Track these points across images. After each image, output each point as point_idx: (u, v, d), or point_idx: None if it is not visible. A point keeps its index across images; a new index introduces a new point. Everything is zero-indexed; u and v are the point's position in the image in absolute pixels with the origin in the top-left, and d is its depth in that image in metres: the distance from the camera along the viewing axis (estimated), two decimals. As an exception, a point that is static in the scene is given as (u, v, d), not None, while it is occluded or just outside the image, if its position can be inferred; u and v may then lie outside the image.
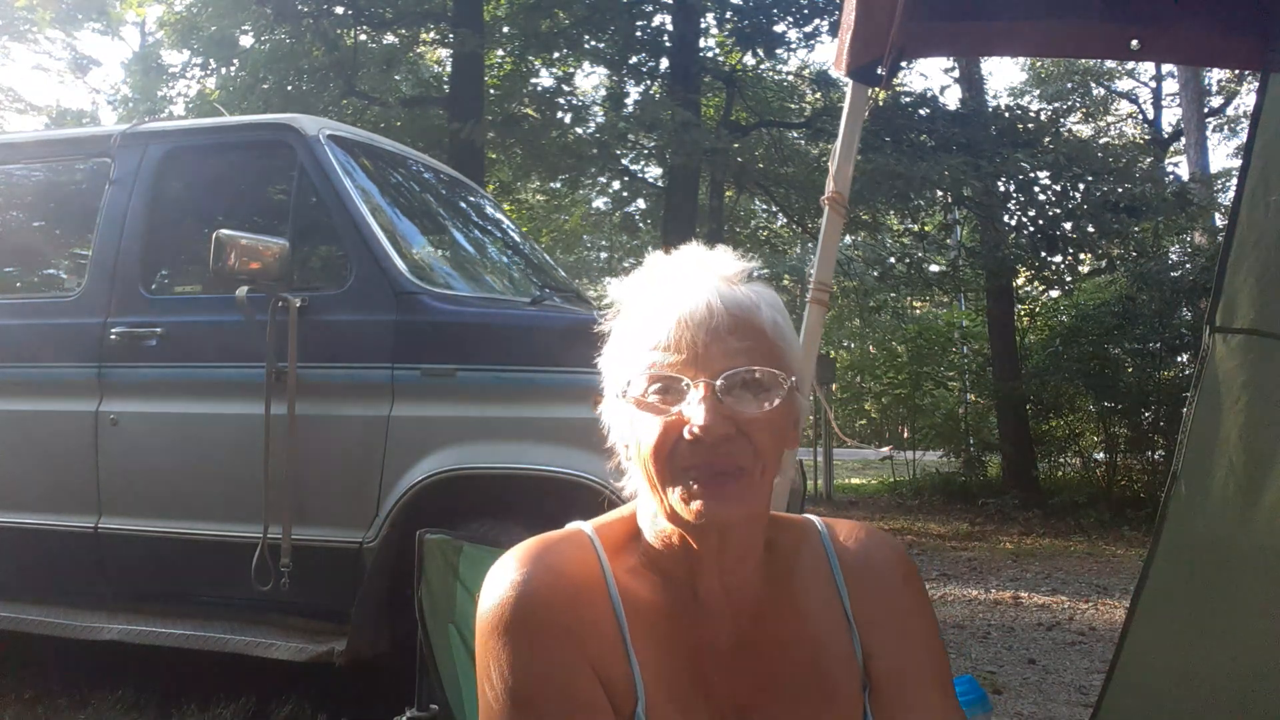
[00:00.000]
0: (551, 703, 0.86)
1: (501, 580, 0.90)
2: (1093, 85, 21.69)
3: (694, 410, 0.87)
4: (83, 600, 3.15)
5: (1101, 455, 10.03)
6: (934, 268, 12.43)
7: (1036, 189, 9.62)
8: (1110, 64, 19.40)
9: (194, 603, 3.06)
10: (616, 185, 14.86)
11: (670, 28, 10.82)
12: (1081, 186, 9.42)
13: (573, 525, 0.99)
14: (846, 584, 0.99)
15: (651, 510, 0.94)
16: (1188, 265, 9.90)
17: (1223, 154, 25.33)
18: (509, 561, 0.92)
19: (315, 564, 2.86)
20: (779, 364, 0.90)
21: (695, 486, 0.87)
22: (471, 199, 4.33)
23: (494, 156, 11.28)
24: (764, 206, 16.74)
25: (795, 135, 12.29)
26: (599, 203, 17.28)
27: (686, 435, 0.87)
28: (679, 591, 0.94)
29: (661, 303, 0.91)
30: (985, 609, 5.31)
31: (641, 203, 15.29)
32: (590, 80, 18.13)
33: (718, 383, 0.87)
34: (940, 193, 10.04)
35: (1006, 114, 11.02)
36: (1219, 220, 12.47)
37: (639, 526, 0.97)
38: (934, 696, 0.97)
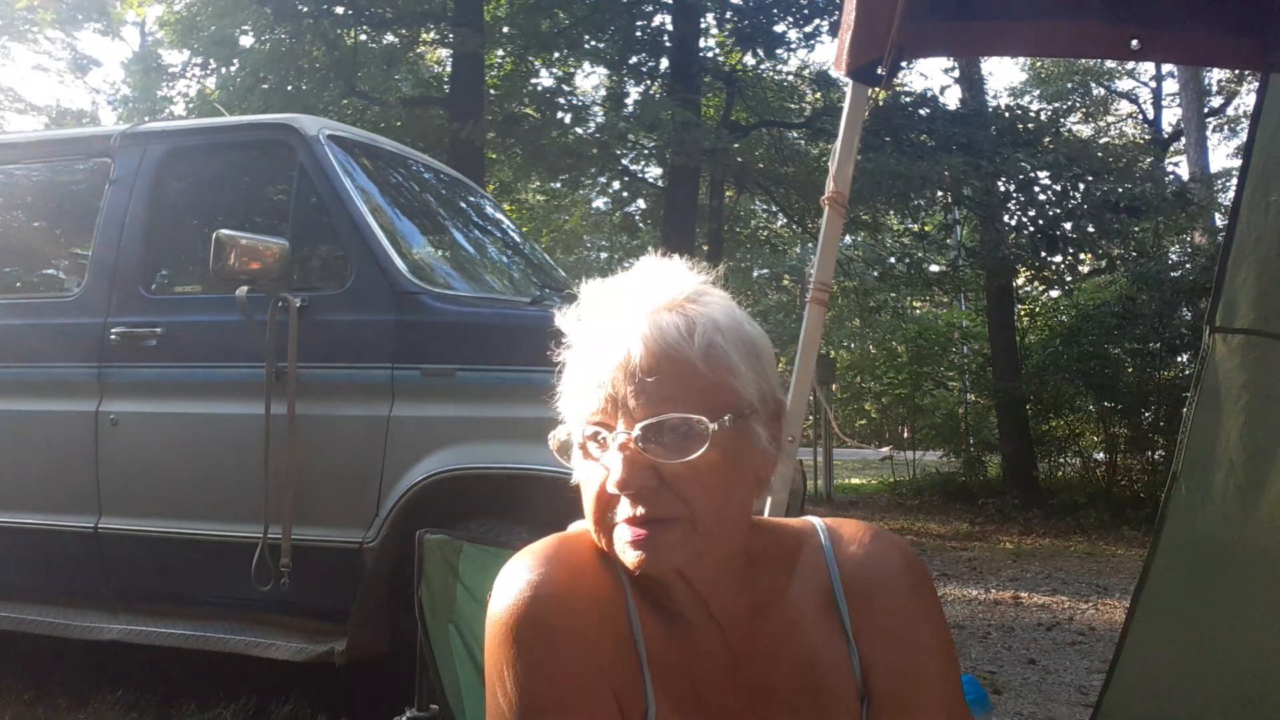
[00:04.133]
0: (564, 710, 0.83)
1: (516, 580, 0.87)
2: (1093, 85, 21.71)
3: (612, 463, 0.83)
4: (83, 600, 3.15)
5: (1101, 455, 10.03)
6: (934, 268, 12.45)
7: (1036, 189, 9.63)
8: (1110, 64, 19.41)
9: (194, 603, 3.05)
10: (616, 185, 14.86)
11: (670, 28, 10.82)
12: (1081, 186, 9.43)
13: (580, 524, 0.95)
14: (846, 594, 0.94)
15: None
16: (1188, 265, 9.91)
17: (1223, 154, 25.37)
18: (524, 559, 0.89)
19: (315, 564, 2.86)
20: (713, 400, 0.84)
21: (626, 538, 0.84)
22: (471, 199, 4.33)
23: (494, 156, 11.29)
24: (764, 206, 16.75)
25: (795, 135, 12.29)
26: (599, 203, 17.27)
27: (617, 489, 0.84)
28: (668, 606, 0.92)
29: (591, 344, 0.88)
30: (985, 609, 5.31)
31: (641, 203, 15.29)
32: (590, 80, 18.15)
33: (634, 432, 0.83)
34: (940, 193, 10.04)
35: (1006, 114, 11.03)
36: (1219, 220, 12.48)
37: None
38: (936, 714, 0.92)
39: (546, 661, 0.84)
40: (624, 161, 12.61)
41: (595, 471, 0.86)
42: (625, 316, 0.86)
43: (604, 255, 22.38)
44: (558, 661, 0.84)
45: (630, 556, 0.84)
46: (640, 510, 0.83)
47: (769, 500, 1.85)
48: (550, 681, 0.83)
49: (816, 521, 1.01)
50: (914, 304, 17.97)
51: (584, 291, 0.93)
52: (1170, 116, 20.15)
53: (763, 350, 0.90)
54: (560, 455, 0.92)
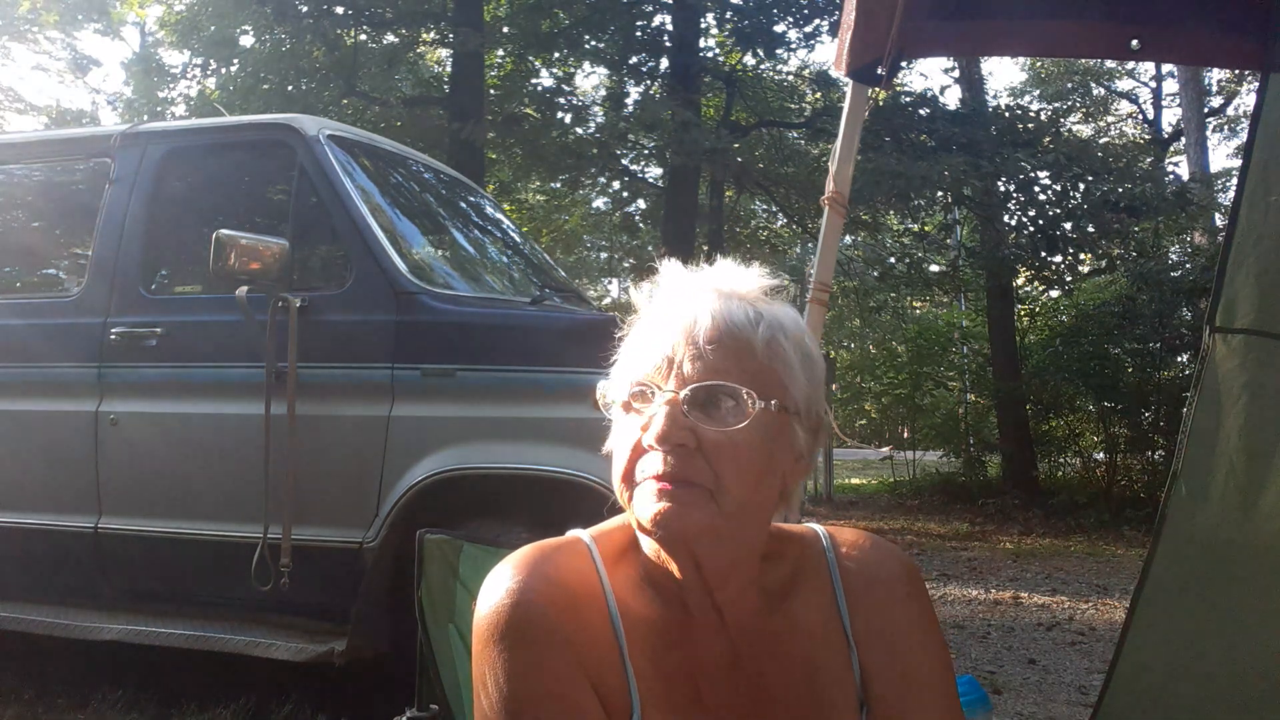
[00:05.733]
0: (547, 712, 0.85)
1: (498, 587, 0.89)
2: (1093, 85, 21.70)
3: (655, 417, 0.86)
4: (83, 600, 3.15)
5: (1101, 455, 10.03)
6: (934, 268, 12.45)
7: (1036, 189, 9.63)
8: (1110, 64, 19.41)
9: (194, 603, 3.05)
10: (616, 185, 14.86)
11: (670, 28, 10.82)
12: (1081, 186, 9.43)
13: (571, 533, 0.98)
14: (847, 599, 0.96)
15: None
16: (1188, 265, 9.90)
17: (1223, 154, 25.35)
18: (506, 569, 0.91)
19: (315, 564, 2.86)
20: (765, 387, 0.87)
21: (651, 493, 0.86)
22: (471, 199, 4.33)
23: (494, 156, 11.28)
24: (764, 206, 16.75)
25: (795, 135, 12.29)
26: (599, 203, 17.27)
27: (645, 444, 0.87)
28: (672, 605, 0.93)
29: (659, 312, 0.91)
30: (985, 609, 5.31)
31: (641, 203, 15.29)
32: (590, 80, 18.12)
33: (683, 393, 0.86)
34: (940, 193, 10.04)
35: (1006, 114, 11.03)
36: (1219, 220, 12.48)
37: (636, 536, 0.95)
38: (933, 718, 0.94)
39: (528, 665, 0.86)
40: (624, 161, 12.60)
41: (633, 425, 0.89)
42: (699, 293, 0.90)
43: (604, 255, 22.37)
44: (539, 664, 0.86)
45: (650, 510, 0.86)
46: (671, 467, 0.85)
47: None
48: (532, 683, 0.85)
49: (817, 527, 1.03)
50: (914, 304, 17.96)
51: (662, 270, 0.96)
52: (1170, 116, 20.17)
53: (818, 365, 0.93)
54: (601, 408, 0.95)
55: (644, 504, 0.87)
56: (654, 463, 0.86)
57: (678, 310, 0.89)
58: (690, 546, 0.88)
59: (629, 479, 0.89)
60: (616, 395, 0.91)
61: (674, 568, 0.91)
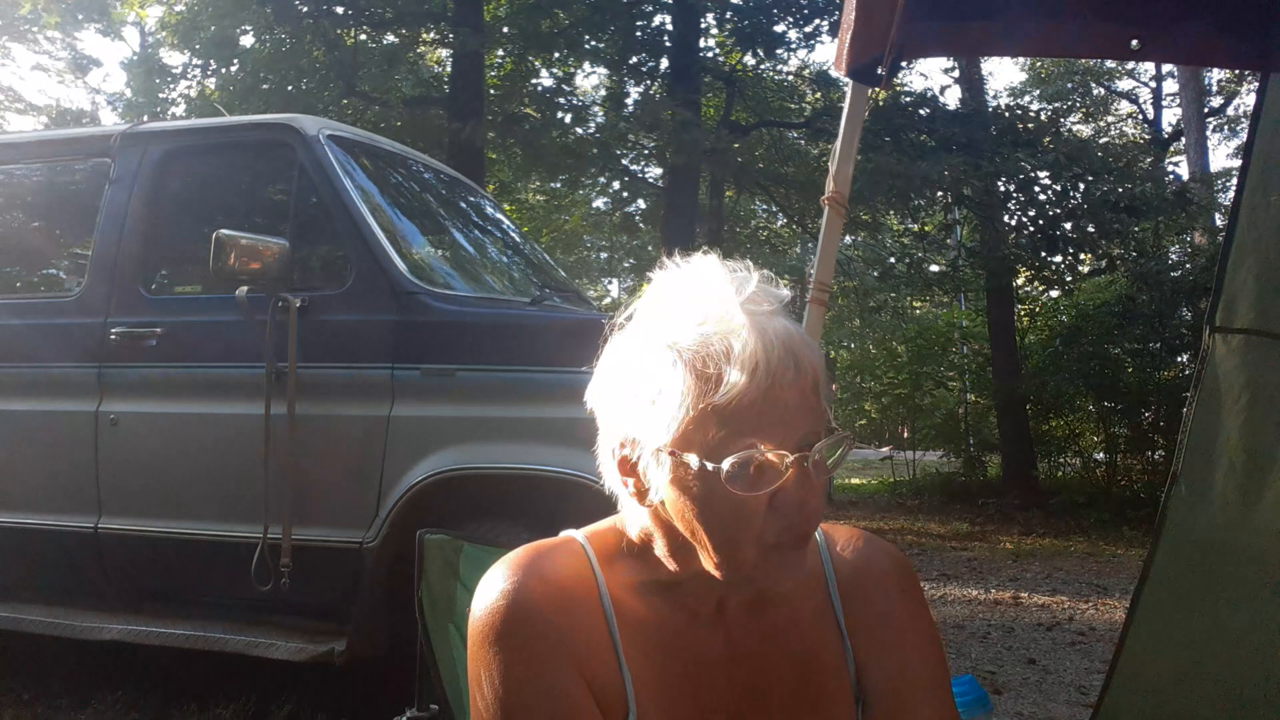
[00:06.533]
0: (542, 711, 0.85)
1: (493, 588, 0.89)
2: (1093, 85, 21.70)
3: (790, 486, 0.80)
4: (83, 600, 3.15)
5: (1101, 455, 10.03)
6: (934, 268, 12.44)
7: (1036, 189, 9.63)
8: (1110, 64, 19.40)
9: (194, 603, 3.05)
10: (616, 185, 14.87)
11: (670, 28, 10.82)
12: (1081, 186, 9.44)
13: (565, 533, 0.98)
14: (841, 596, 0.97)
15: (669, 549, 0.89)
16: (1188, 265, 9.91)
17: (1223, 154, 25.34)
18: (500, 569, 0.91)
19: (315, 564, 2.86)
20: (827, 407, 0.85)
21: (772, 557, 0.83)
22: (471, 199, 4.33)
23: (494, 156, 11.28)
24: (764, 206, 16.76)
25: (795, 135, 12.30)
26: (599, 203, 17.28)
27: (774, 509, 0.81)
28: (671, 605, 0.93)
29: (731, 348, 0.80)
30: (985, 609, 5.31)
31: (641, 203, 15.30)
32: (590, 80, 18.12)
33: (813, 456, 0.81)
34: (940, 193, 10.04)
35: (1006, 114, 11.04)
36: (1219, 220, 12.48)
37: (630, 537, 0.94)
38: (927, 713, 0.94)
39: (523, 663, 0.86)
40: (624, 161, 12.61)
41: (736, 499, 0.80)
42: (765, 320, 0.82)
43: (604, 255, 22.37)
44: (533, 663, 0.86)
45: (765, 573, 0.84)
46: (808, 528, 0.83)
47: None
48: (527, 682, 0.86)
49: None
50: (914, 304, 17.96)
51: (665, 278, 0.89)
52: (1170, 116, 20.16)
53: None
54: (613, 448, 0.88)
55: (759, 564, 0.83)
56: (779, 528, 0.82)
57: (761, 347, 0.79)
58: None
59: (737, 542, 0.82)
60: (711, 457, 0.80)
61: (705, 583, 0.89)
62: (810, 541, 0.85)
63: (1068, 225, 9.61)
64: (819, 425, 0.82)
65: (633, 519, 0.93)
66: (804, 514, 0.82)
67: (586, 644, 0.89)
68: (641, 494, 0.87)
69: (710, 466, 0.80)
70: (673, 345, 0.83)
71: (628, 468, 0.88)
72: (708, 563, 0.85)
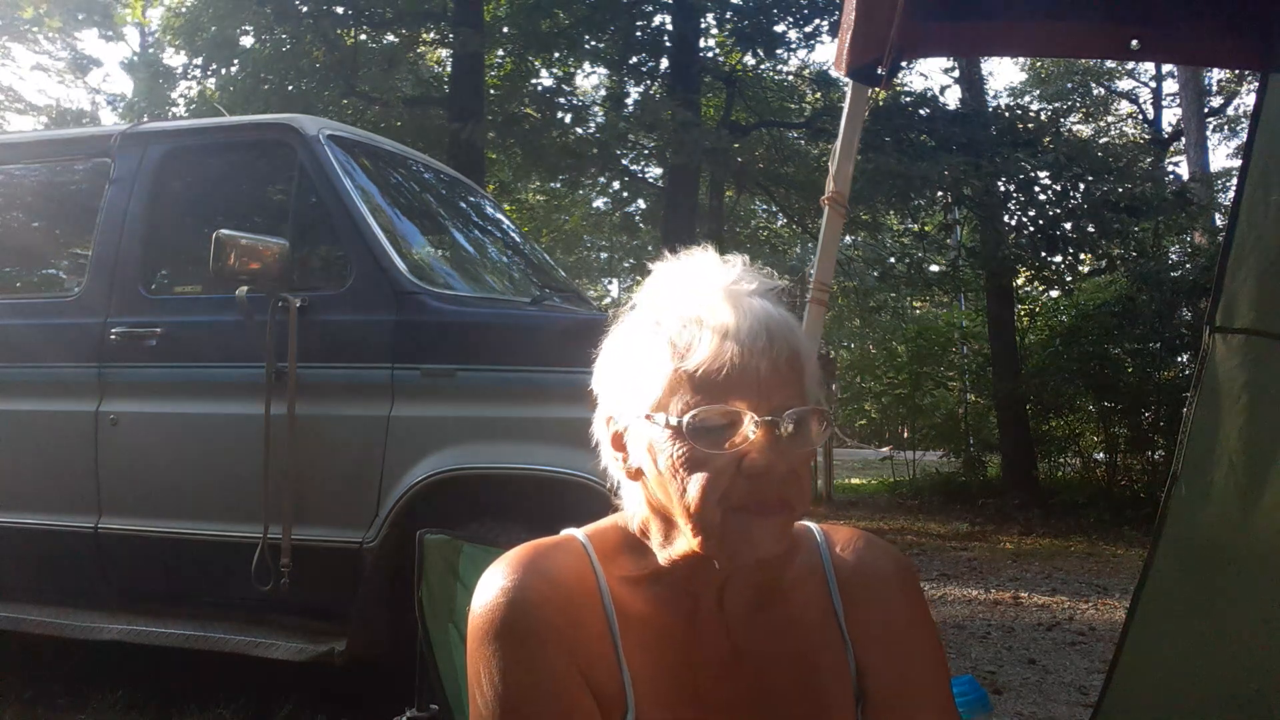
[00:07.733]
0: (541, 710, 0.85)
1: (492, 586, 0.89)
2: (1093, 85, 21.71)
3: (757, 449, 0.82)
4: (83, 600, 3.15)
5: (1101, 455, 10.02)
6: (934, 268, 12.44)
7: (1036, 189, 9.63)
8: (1110, 64, 19.41)
9: (194, 603, 3.05)
10: (616, 185, 14.87)
11: (670, 28, 10.82)
12: (1081, 186, 9.44)
13: (565, 532, 0.98)
14: (842, 596, 0.97)
15: (662, 532, 0.91)
16: (1188, 265, 9.90)
17: (1223, 154, 25.33)
18: (500, 567, 0.91)
19: (315, 564, 2.86)
20: (812, 393, 0.87)
21: (743, 524, 0.83)
22: (471, 199, 4.33)
23: (494, 156, 11.28)
24: (764, 206, 16.77)
25: (795, 135, 12.29)
26: (599, 203, 17.28)
27: (742, 473, 0.83)
28: (673, 603, 0.93)
29: (704, 319, 0.85)
30: (985, 609, 5.31)
31: (641, 203, 15.30)
32: (590, 80, 18.13)
33: (784, 421, 0.83)
34: (940, 193, 10.04)
35: (1006, 114, 11.04)
36: (1219, 220, 12.49)
37: (632, 534, 0.95)
38: (928, 714, 0.94)
39: (523, 663, 0.86)
40: (624, 161, 12.61)
41: (705, 459, 0.83)
42: (744, 298, 0.86)
43: (604, 255, 22.37)
44: (533, 661, 0.86)
45: (737, 542, 0.84)
46: (764, 496, 0.84)
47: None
48: (526, 680, 0.85)
49: (812, 525, 1.03)
50: (914, 304, 17.97)
51: (661, 266, 0.93)
52: (1170, 116, 20.16)
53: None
54: (604, 422, 0.92)
55: (731, 533, 0.84)
56: (749, 492, 0.83)
57: (735, 319, 0.84)
58: (767, 564, 0.89)
59: (708, 508, 0.83)
60: (681, 418, 0.83)
61: (701, 571, 0.90)
62: (785, 514, 0.85)
63: (1068, 225, 9.60)
64: (795, 399, 0.85)
65: (633, 510, 0.94)
66: (771, 480, 0.83)
67: (586, 641, 0.89)
68: (633, 473, 0.90)
69: (674, 420, 0.84)
70: (656, 321, 0.88)
71: (618, 442, 0.92)
72: (685, 530, 0.86)
